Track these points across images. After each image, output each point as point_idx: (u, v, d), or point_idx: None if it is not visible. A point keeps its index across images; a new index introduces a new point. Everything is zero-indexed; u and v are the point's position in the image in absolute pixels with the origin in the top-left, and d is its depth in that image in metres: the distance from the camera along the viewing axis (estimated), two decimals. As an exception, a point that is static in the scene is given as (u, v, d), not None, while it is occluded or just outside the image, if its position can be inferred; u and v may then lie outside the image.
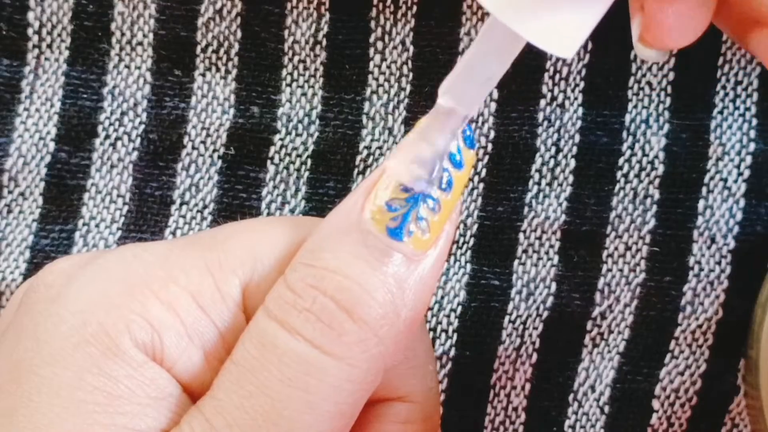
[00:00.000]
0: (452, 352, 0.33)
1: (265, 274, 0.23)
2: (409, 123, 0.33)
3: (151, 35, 0.34)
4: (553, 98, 0.33)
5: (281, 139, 0.34)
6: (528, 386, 0.33)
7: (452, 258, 0.33)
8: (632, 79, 0.33)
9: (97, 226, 0.34)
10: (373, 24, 0.33)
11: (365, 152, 0.33)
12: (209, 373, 0.22)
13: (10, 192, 0.34)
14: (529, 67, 0.33)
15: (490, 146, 0.33)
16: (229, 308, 0.22)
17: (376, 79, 0.33)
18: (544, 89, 0.33)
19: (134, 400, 0.21)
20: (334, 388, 0.21)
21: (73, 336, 0.21)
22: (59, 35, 0.34)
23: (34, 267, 0.33)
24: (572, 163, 0.33)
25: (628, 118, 0.33)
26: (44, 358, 0.21)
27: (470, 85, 0.21)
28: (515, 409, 0.33)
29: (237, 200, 0.34)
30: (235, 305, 0.22)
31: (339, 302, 0.21)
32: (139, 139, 0.34)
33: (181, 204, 0.34)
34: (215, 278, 0.22)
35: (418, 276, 0.22)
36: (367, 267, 0.21)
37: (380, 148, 0.33)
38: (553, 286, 0.33)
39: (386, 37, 0.33)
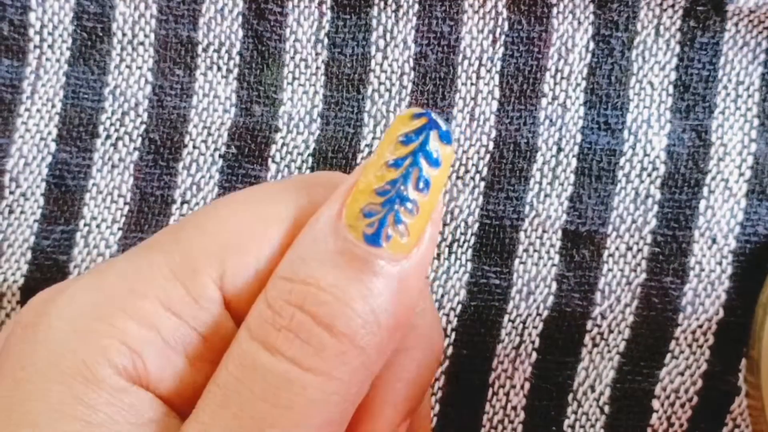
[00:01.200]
0: (451, 351, 0.33)
1: (241, 261, 0.22)
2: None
3: (152, 35, 0.34)
4: (555, 97, 0.33)
5: (282, 138, 0.34)
6: (527, 385, 0.33)
7: (453, 257, 0.33)
8: (634, 78, 0.32)
9: (98, 226, 0.34)
10: (374, 22, 0.33)
11: (366, 151, 0.33)
12: (197, 377, 0.22)
13: (11, 192, 0.34)
14: (531, 66, 0.33)
15: (491, 145, 0.33)
16: (205, 309, 0.22)
17: (378, 78, 0.33)
18: (546, 88, 0.33)
19: (113, 428, 0.21)
20: (318, 402, 0.21)
21: (50, 371, 0.21)
22: (60, 35, 0.34)
23: (35, 268, 0.33)
24: (573, 162, 0.33)
25: (629, 117, 0.33)
26: (23, 395, 0.21)
27: None
28: (514, 408, 0.33)
29: (238, 199, 0.34)
30: (210, 303, 0.22)
31: (316, 317, 0.21)
32: (140, 139, 0.34)
33: (183, 203, 0.34)
34: (183, 282, 0.22)
35: (399, 281, 0.21)
36: (344, 277, 0.21)
37: (381, 146, 0.33)
38: (554, 285, 0.33)
39: (387, 36, 0.33)
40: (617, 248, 0.33)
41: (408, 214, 0.22)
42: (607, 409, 0.33)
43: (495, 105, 0.33)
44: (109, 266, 0.23)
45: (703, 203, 0.32)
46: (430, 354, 0.25)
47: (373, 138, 0.33)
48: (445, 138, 0.22)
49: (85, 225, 0.34)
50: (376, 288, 0.21)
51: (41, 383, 0.21)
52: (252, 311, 0.22)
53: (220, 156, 0.34)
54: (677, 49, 0.33)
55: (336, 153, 0.33)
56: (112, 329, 0.21)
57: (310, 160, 0.33)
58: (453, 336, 0.33)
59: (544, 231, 0.33)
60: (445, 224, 0.33)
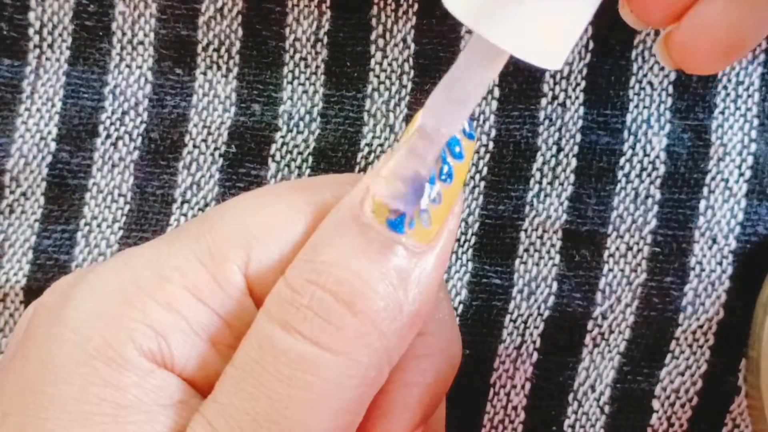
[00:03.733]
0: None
1: (266, 249, 0.22)
2: (410, 120, 0.33)
3: (152, 34, 0.34)
4: (555, 97, 0.33)
5: (282, 137, 0.34)
6: (528, 385, 0.33)
7: (454, 256, 0.33)
8: (633, 78, 0.32)
9: (98, 225, 0.34)
10: (374, 21, 0.33)
11: (366, 149, 0.33)
12: (222, 362, 0.22)
13: (11, 192, 0.34)
14: (531, 65, 0.33)
15: (491, 145, 0.33)
16: (229, 295, 0.22)
17: (378, 77, 0.33)
18: (546, 88, 0.33)
19: (143, 408, 0.21)
20: (335, 384, 0.21)
21: (76, 353, 0.21)
22: (60, 35, 0.34)
23: (37, 268, 0.33)
24: (573, 162, 0.33)
25: (629, 117, 0.33)
26: (50, 377, 0.21)
27: (453, 104, 0.21)
28: (515, 407, 0.33)
29: (238, 198, 0.34)
30: (236, 290, 0.22)
31: (337, 295, 0.21)
32: (140, 138, 0.34)
33: (183, 202, 0.34)
34: (209, 268, 0.22)
35: (421, 269, 0.21)
36: (367, 260, 0.21)
37: (381, 145, 0.33)
38: (555, 285, 0.33)
39: (387, 35, 0.33)
40: (617, 248, 0.33)
41: (431, 202, 0.22)
42: (607, 409, 0.33)
43: (495, 104, 0.33)
44: (136, 252, 0.23)
45: (703, 203, 0.32)
46: (448, 362, 0.25)
47: (373, 137, 0.33)
48: (469, 133, 0.22)
49: (85, 224, 0.34)
50: (399, 273, 0.21)
51: (68, 365, 0.21)
52: (272, 292, 0.22)
53: (220, 155, 0.34)
54: (678, 48, 0.33)
55: (336, 152, 0.33)
56: (137, 313, 0.21)
57: (310, 159, 0.33)
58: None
59: (544, 231, 0.33)
60: (445, 224, 0.33)
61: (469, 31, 0.33)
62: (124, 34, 0.34)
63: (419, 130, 0.21)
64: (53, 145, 0.34)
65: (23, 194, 0.34)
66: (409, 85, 0.33)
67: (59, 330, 0.22)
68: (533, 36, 0.19)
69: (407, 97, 0.33)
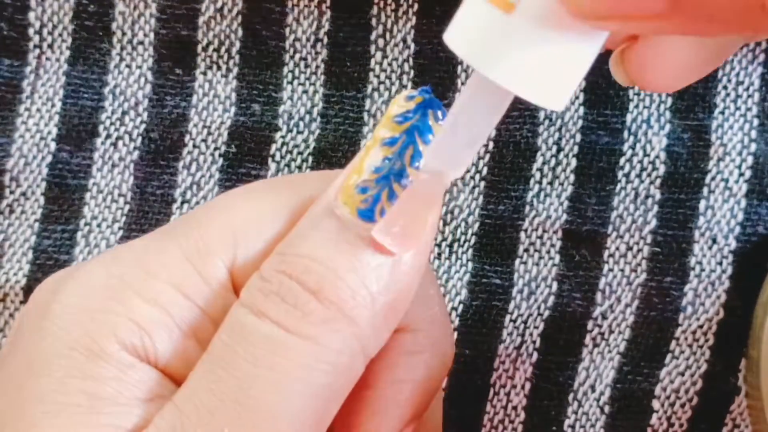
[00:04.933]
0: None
1: (251, 246, 0.22)
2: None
3: (152, 34, 0.34)
4: (555, 97, 0.33)
5: (282, 137, 0.34)
6: (528, 385, 0.33)
7: (454, 256, 0.33)
8: (633, 78, 0.32)
9: (98, 225, 0.34)
10: (374, 21, 0.33)
11: (367, 150, 0.33)
12: None
13: (11, 192, 0.34)
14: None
15: (491, 145, 0.33)
16: (215, 292, 0.22)
17: (377, 77, 0.33)
18: (546, 88, 0.33)
19: (120, 401, 0.21)
20: (302, 367, 0.21)
21: (57, 345, 0.21)
22: (60, 35, 0.34)
23: (37, 268, 0.33)
24: (573, 162, 0.33)
25: (629, 117, 0.33)
26: (31, 371, 0.21)
27: (457, 148, 0.20)
28: (515, 407, 0.33)
29: (238, 198, 0.34)
30: (221, 287, 0.22)
31: (304, 284, 0.21)
32: (140, 138, 0.34)
33: (183, 202, 0.34)
34: (195, 265, 0.22)
35: (393, 259, 0.21)
36: (335, 250, 0.21)
37: (382, 145, 0.33)
38: (555, 285, 0.33)
39: (387, 35, 0.33)
40: (617, 248, 0.33)
41: (402, 190, 0.21)
42: (607, 409, 0.33)
43: (495, 104, 0.33)
44: (123, 249, 0.23)
45: (703, 203, 0.32)
46: (439, 359, 0.25)
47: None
48: (441, 117, 0.22)
49: (85, 224, 0.34)
50: (369, 263, 0.21)
51: (48, 358, 0.21)
52: (246, 284, 0.22)
53: (220, 155, 0.34)
54: (678, 48, 0.33)
55: (336, 152, 0.33)
56: (121, 307, 0.21)
57: (310, 159, 0.33)
58: (455, 336, 0.33)
59: (544, 231, 0.33)
60: (445, 224, 0.33)
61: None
62: (124, 34, 0.34)
63: (423, 170, 0.21)
64: (53, 145, 0.34)
65: (23, 194, 0.34)
66: (409, 85, 0.33)
67: (44, 324, 0.22)
68: (539, 76, 0.19)
69: (407, 97, 0.33)
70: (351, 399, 0.22)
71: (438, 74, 0.33)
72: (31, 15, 0.34)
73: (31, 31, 0.34)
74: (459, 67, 0.33)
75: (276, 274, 0.21)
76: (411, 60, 0.33)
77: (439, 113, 0.22)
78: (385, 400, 0.24)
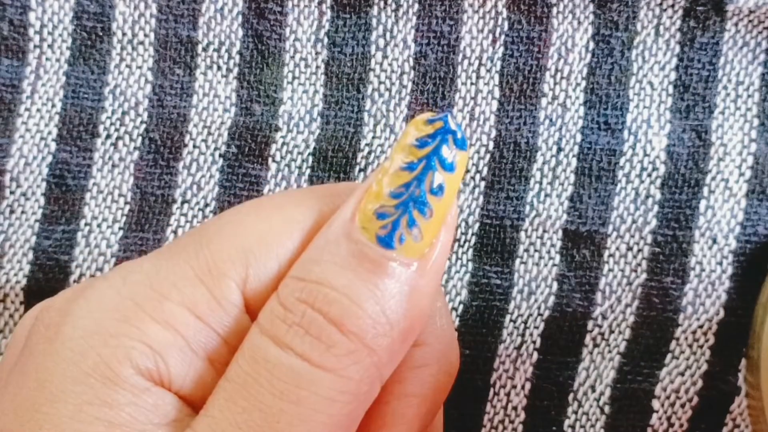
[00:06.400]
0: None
1: (263, 265, 0.22)
2: (409, 120, 0.33)
3: (152, 34, 0.34)
4: (555, 97, 0.33)
5: (282, 137, 0.34)
6: (528, 385, 0.33)
7: (454, 256, 0.33)
8: (634, 78, 0.32)
9: (99, 225, 0.34)
10: (374, 22, 0.33)
11: (366, 150, 0.33)
12: (219, 380, 0.22)
13: (12, 192, 0.34)
14: (531, 66, 0.33)
15: (491, 145, 0.33)
16: (228, 312, 0.22)
17: (378, 77, 0.33)
18: (546, 88, 0.33)
19: (136, 427, 0.21)
20: (326, 400, 0.21)
21: (72, 371, 0.21)
22: (60, 35, 0.34)
23: (37, 268, 0.33)
24: (573, 162, 0.33)
25: (629, 117, 0.33)
26: (46, 396, 0.21)
27: None
28: (515, 408, 0.33)
29: (238, 198, 0.34)
30: (234, 308, 0.22)
31: (327, 315, 0.21)
32: (140, 139, 0.34)
33: (183, 203, 0.34)
34: (207, 285, 0.22)
35: (411, 285, 0.22)
36: (356, 278, 0.21)
37: (381, 145, 0.33)
38: (555, 285, 0.33)
39: (387, 35, 0.33)
40: (618, 248, 0.33)
41: (422, 216, 0.22)
42: (607, 409, 0.33)
43: (495, 105, 0.33)
44: (133, 267, 0.23)
45: (703, 203, 0.32)
46: (446, 371, 0.25)
47: (373, 137, 0.33)
48: (460, 143, 0.22)
49: (86, 225, 0.34)
50: (388, 290, 0.21)
51: (63, 384, 0.21)
52: (264, 309, 0.22)
53: (220, 155, 0.34)
54: (677, 49, 0.33)
55: (336, 152, 0.33)
56: (135, 330, 0.21)
57: (310, 159, 0.33)
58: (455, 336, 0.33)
59: (544, 231, 0.33)
60: (445, 224, 0.33)
61: (470, 31, 0.33)
62: (124, 34, 0.34)
63: None
64: (53, 145, 0.34)
65: (23, 194, 0.34)
66: (409, 86, 0.33)
67: (56, 347, 0.22)
68: None
69: (407, 97, 0.33)
70: None
71: (438, 75, 0.33)
72: (31, 15, 0.34)
73: (31, 31, 0.34)
74: (459, 67, 0.33)
75: (297, 303, 0.21)
76: (411, 60, 0.33)
77: (459, 137, 0.22)
78: (394, 415, 0.24)
